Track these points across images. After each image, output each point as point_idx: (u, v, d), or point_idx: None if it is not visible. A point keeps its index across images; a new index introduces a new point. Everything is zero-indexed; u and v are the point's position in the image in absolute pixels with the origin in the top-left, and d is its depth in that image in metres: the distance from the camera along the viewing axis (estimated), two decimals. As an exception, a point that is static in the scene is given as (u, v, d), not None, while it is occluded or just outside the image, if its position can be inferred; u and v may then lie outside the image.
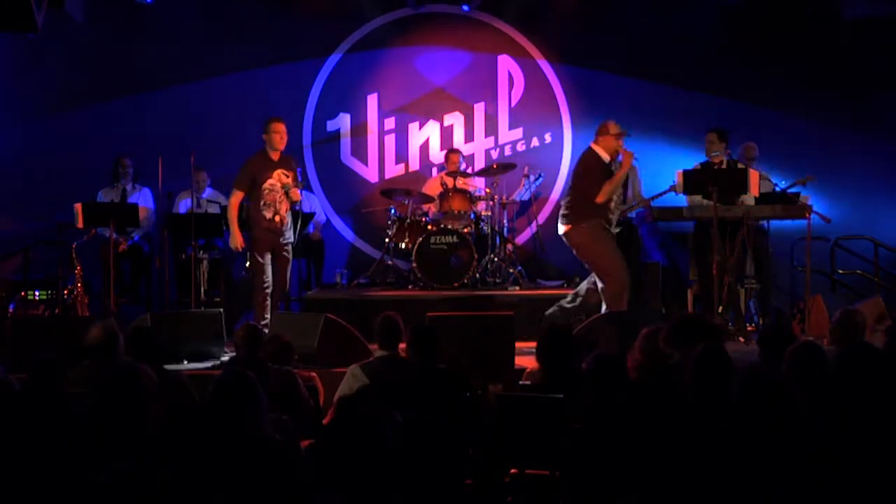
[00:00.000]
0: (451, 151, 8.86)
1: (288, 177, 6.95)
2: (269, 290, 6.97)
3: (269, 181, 6.89)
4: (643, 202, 7.82)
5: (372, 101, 9.38)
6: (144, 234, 8.40)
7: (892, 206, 8.85)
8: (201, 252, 8.15)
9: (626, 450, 3.22)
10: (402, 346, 4.84)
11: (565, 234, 6.79)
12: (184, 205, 8.32)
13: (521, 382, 4.70)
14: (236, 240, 6.97)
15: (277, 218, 6.92)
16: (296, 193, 7.00)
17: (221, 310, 7.54)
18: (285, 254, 7.02)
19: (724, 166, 7.30)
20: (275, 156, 6.95)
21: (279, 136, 6.93)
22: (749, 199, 7.16)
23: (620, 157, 6.72)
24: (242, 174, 6.95)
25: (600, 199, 6.61)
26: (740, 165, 7.29)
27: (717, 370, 3.50)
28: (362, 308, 7.46)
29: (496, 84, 9.41)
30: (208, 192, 8.46)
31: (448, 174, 8.75)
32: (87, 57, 9.02)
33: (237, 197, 6.96)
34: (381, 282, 8.49)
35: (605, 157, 6.71)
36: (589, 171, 6.73)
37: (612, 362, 3.54)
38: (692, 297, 7.95)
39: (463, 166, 8.88)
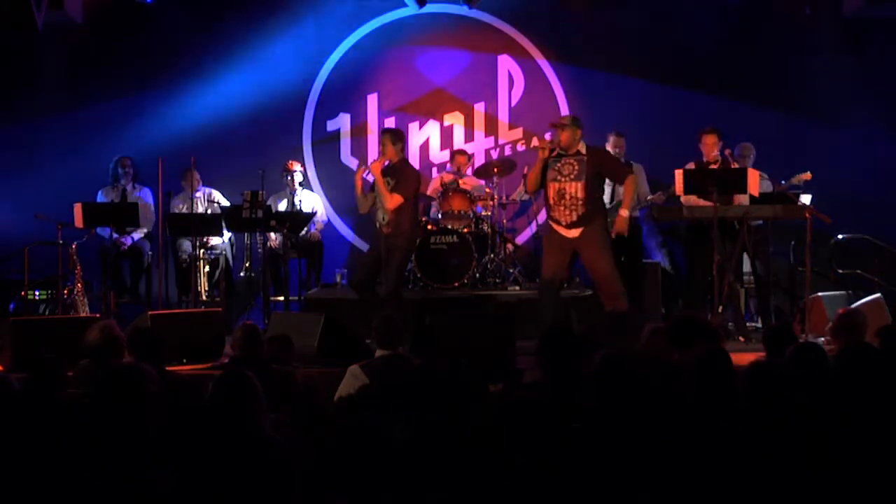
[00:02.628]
0: (457, 153, 8.85)
1: (389, 183, 7.04)
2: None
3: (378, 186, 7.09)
4: (648, 201, 7.83)
5: (372, 101, 9.37)
6: (145, 234, 8.40)
7: (892, 205, 8.84)
8: (201, 252, 8.15)
9: (629, 450, 3.22)
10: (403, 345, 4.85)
11: None
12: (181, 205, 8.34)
13: (521, 382, 4.70)
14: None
15: (379, 224, 7.10)
16: (386, 199, 7.03)
17: (222, 310, 7.56)
18: (389, 255, 7.07)
19: (717, 166, 7.30)
20: (378, 163, 7.20)
21: (382, 147, 7.21)
22: (744, 198, 7.15)
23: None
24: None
25: (526, 189, 7.08)
26: (734, 164, 7.29)
27: (717, 370, 3.50)
28: (362, 308, 7.45)
29: (496, 84, 9.40)
30: (203, 191, 8.45)
31: (447, 174, 8.76)
32: (87, 57, 9.02)
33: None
34: (381, 282, 8.47)
35: (555, 152, 6.70)
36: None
37: (619, 363, 3.52)
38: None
39: (469, 169, 8.88)
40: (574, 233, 6.59)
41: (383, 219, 7.04)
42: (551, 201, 6.63)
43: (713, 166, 7.27)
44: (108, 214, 7.83)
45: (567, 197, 6.55)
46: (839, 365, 3.67)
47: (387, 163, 7.16)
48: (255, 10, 9.14)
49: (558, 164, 6.62)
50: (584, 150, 6.63)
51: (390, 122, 9.38)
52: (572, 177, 6.57)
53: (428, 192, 8.72)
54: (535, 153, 9.15)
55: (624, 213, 6.62)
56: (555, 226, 6.65)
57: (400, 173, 7.13)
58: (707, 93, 8.99)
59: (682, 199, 7.30)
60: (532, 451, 3.53)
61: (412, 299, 7.70)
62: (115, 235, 7.96)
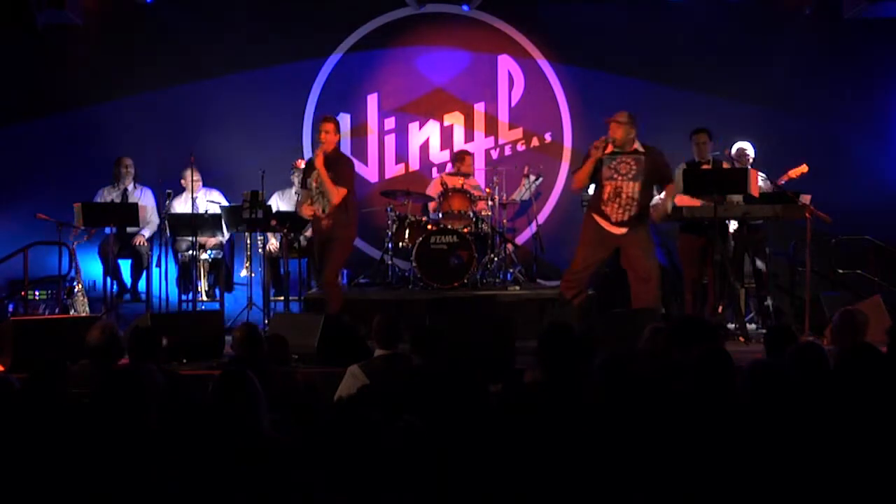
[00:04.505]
0: (464, 153, 8.84)
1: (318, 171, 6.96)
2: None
3: (311, 180, 7.01)
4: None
5: (372, 101, 9.38)
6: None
7: (892, 205, 8.84)
8: (201, 252, 8.15)
9: (629, 449, 3.22)
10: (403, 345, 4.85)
11: None
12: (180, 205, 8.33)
13: (521, 382, 4.70)
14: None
15: (317, 216, 7.02)
16: (332, 193, 6.96)
17: (221, 310, 7.56)
18: (328, 249, 7.04)
19: (709, 166, 7.29)
20: (319, 154, 7.00)
21: (323, 135, 7.00)
22: (737, 198, 7.13)
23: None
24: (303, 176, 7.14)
25: (573, 186, 6.93)
26: (725, 165, 7.28)
27: (717, 370, 3.49)
28: (362, 308, 7.45)
29: (496, 84, 9.41)
30: (203, 191, 8.44)
31: (448, 174, 8.76)
32: (86, 57, 9.02)
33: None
34: (381, 282, 8.49)
35: (609, 148, 6.61)
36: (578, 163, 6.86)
37: (623, 362, 3.52)
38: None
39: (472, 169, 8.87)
40: (621, 230, 6.58)
41: (323, 210, 6.99)
42: (604, 197, 6.58)
43: (705, 166, 7.27)
44: (108, 214, 7.83)
45: (623, 196, 6.55)
46: (839, 365, 3.67)
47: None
48: (254, 10, 9.14)
49: (614, 162, 6.58)
50: (641, 149, 6.60)
51: (390, 122, 9.39)
52: (630, 176, 6.55)
53: (428, 192, 8.72)
54: (534, 153, 9.27)
55: (667, 204, 6.76)
56: (600, 220, 6.61)
57: (337, 164, 7.03)
58: (707, 93, 8.99)
59: (676, 199, 7.31)
60: (532, 451, 3.54)
61: (412, 299, 7.71)
62: (113, 231, 7.96)
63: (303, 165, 8.57)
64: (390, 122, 9.40)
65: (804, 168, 7.43)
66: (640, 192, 6.58)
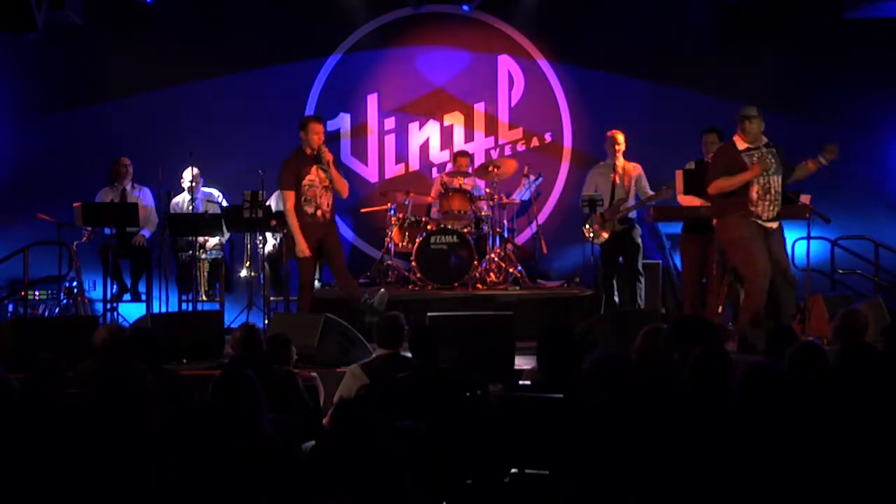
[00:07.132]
0: (460, 154, 8.84)
1: (329, 164, 7.09)
2: (313, 290, 7.15)
3: (309, 177, 7.00)
4: (646, 201, 7.81)
5: (372, 101, 9.38)
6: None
7: (891, 205, 8.84)
8: (201, 252, 8.14)
9: (628, 449, 3.22)
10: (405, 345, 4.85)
11: (715, 227, 6.59)
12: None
13: (521, 382, 4.70)
14: (304, 249, 6.98)
15: (319, 212, 7.05)
16: (343, 187, 7.18)
17: (221, 310, 7.56)
18: (334, 242, 7.15)
19: None
20: (310, 152, 7.06)
21: (318, 136, 7.06)
22: None
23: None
24: (287, 173, 7.01)
25: (710, 189, 6.33)
26: None
27: (717, 371, 3.49)
28: (362, 307, 7.45)
29: (496, 84, 9.41)
30: (202, 193, 8.43)
31: (448, 174, 8.76)
32: (86, 57, 9.03)
33: (292, 199, 6.99)
34: (381, 282, 8.49)
35: (743, 145, 6.37)
36: (714, 162, 6.51)
37: (617, 362, 3.52)
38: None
39: (470, 169, 8.86)
40: (773, 225, 6.38)
41: (327, 205, 7.11)
42: (754, 197, 6.27)
43: None
44: (108, 214, 7.83)
45: (772, 192, 6.31)
46: (840, 365, 3.66)
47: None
48: (254, 11, 9.14)
49: (755, 159, 6.30)
50: (766, 140, 6.41)
51: (390, 122, 9.40)
52: (772, 171, 6.32)
53: (431, 195, 8.73)
54: (534, 153, 9.27)
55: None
56: (753, 220, 6.31)
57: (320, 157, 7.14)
58: (707, 93, 8.99)
59: (679, 198, 7.31)
60: (531, 451, 3.54)
61: (412, 299, 7.71)
62: (112, 230, 7.95)
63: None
64: (390, 122, 9.41)
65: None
66: (782, 185, 6.37)
